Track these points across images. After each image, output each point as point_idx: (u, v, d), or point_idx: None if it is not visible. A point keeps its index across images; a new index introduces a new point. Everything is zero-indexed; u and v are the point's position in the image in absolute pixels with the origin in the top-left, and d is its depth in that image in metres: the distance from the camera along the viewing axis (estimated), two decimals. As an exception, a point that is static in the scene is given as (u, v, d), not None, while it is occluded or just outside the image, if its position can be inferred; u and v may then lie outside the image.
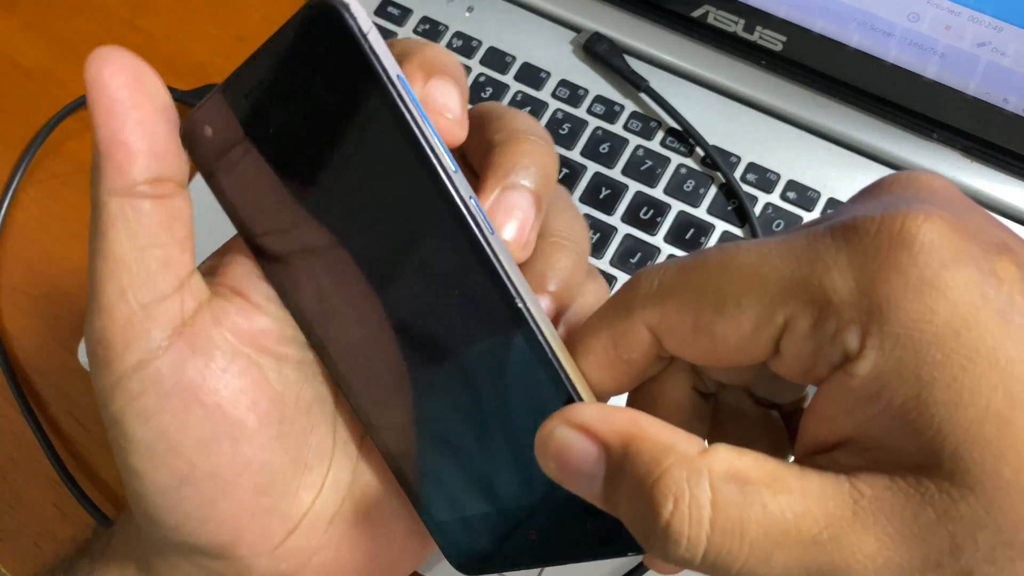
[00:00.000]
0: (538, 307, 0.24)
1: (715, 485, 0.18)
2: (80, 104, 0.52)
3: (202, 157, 0.24)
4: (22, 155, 0.51)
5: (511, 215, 0.24)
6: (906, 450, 0.18)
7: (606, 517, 0.22)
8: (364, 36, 0.21)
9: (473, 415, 0.25)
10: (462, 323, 0.24)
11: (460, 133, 0.24)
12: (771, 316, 0.19)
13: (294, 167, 0.23)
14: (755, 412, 0.25)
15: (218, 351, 0.24)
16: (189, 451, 0.24)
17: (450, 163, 0.22)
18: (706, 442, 0.20)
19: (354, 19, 0.21)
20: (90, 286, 0.23)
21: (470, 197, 0.23)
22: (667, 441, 0.19)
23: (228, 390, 0.24)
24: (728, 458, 0.19)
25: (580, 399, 0.23)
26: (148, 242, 0.23)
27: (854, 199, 0.21)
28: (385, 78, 0.22)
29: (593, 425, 0.20)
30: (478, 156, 0.26)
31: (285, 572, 0.26)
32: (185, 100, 0.51)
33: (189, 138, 0.24)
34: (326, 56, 0.22)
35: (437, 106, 0.23)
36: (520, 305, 0.23)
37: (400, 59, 0.24)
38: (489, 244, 0.23)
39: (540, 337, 0.23)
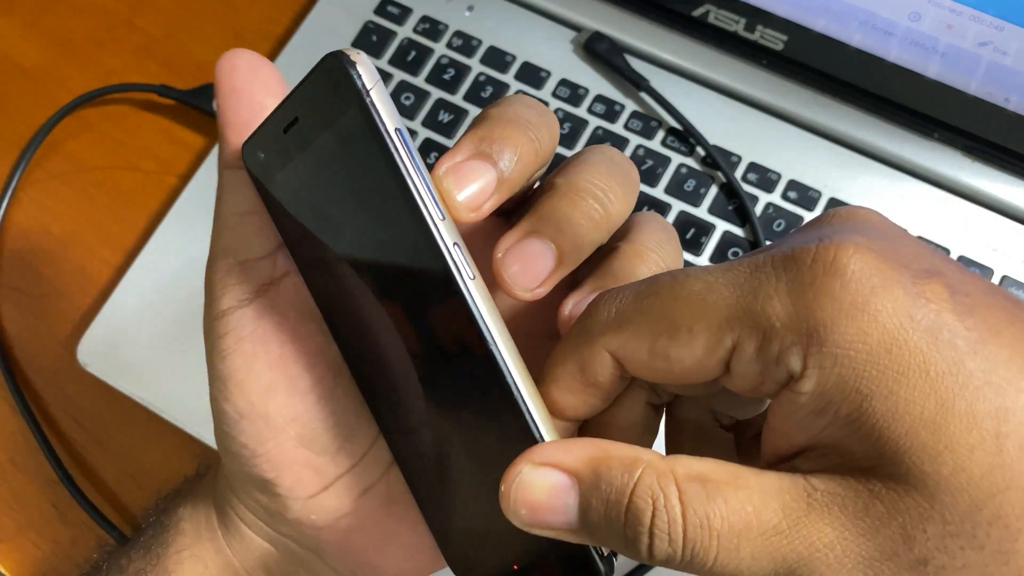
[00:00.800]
0: (511, 346, 0.25)
1: (680, 486, 0.20)
2: (79, 104, 0.52)
3: (257, 173, 0.27)
4: (21, 155, 0.51)
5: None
6: (856, 455, 0.20)
7: (565, 552, 0.24)
8: (367, 91, 0.24)
9: (454, 445, 0.27)
10: (440, 358, 0.26)
11: (466, 216, 0.25)
12: (720, 341, 0.21)
13: (312, 199, 0.26)
14: (709, 427, 0.27)
15: (293, 312, 0.28)
16: (250, 391, 0.27)
17: (438, 212, 0.24)
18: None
19: (359, 76, 0.24)
20: (211, 239, 0.28)
21: (454, 244, 0.24)
22: (632, 454, 0.21)
23: (293, 347, 0.28)
24: (689, 462, 0.21)
25: (542, 439, 0.24)
26: (248, 209, 0.27)
27: (797, 230, 0.23)
28: (383, 131, 0.24)
29: (557, 458, 0.22)
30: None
31: (315, 522, 0.29)
32: (185, 100, 0.51)
33: (247, 157, 0.27)
34: (334, 105, 0.24)
35: (452, 190, 0.24)
36: (492, 348, 0.25)
37: (472, 126, 0.26)
38: (466, 287, 0.24)
39: (508, 378, 0.25)
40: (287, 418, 0.28)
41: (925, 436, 0.19)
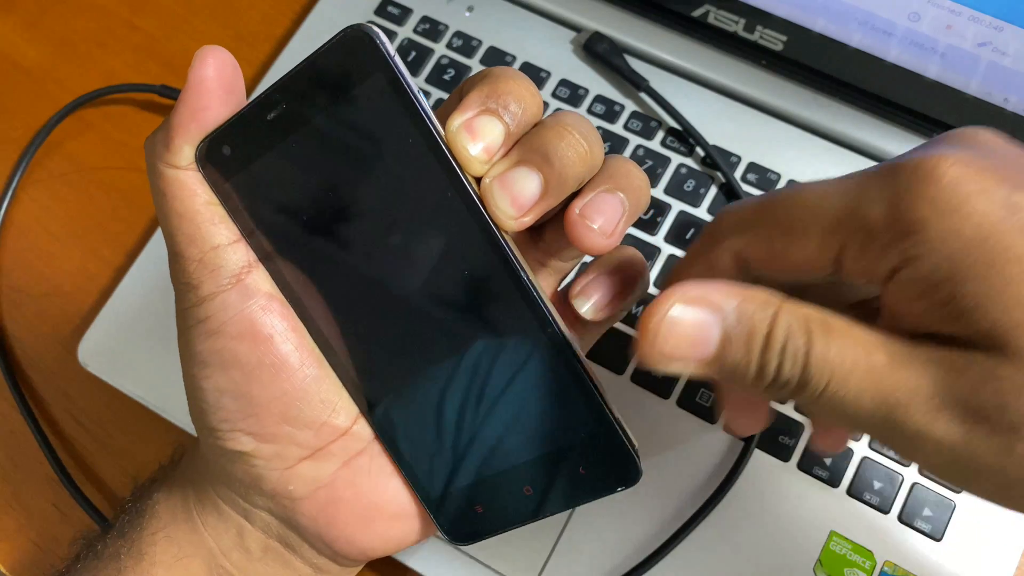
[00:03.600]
0: (530, 271, 0.27)
1: (810, 326, 0.23)
2: (80, 104, 0.52)
3: (217, 170, 0.27)
4: (22, 155, 0.51)
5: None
6: (956, 331, 0.22)
7: (596, 458, 0.27)
8: (391, 57, 0.25)
9: (465, 384, 0.28)
10: (458, 293, 0.27)
11: (477, 167, 0.26)
12: (831, 241, 0.24)
13: (324, 169, 0.27)
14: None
15: (279, 294, 0.28)
16: (234, 371, 0.28)
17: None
18: None
19: (383, 44, 0.25)
20: (163, 234, 0.28)
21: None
22: (768, 296, 0.24)
23: (279, 329, 0.28)
24: (816, 309, 0.24)
25: (575, 347, 0.27)
26: (206, 200, 0.27)
27: (912, 149, 0.25)
28: (411, 90, 0.25)
29: (706, 295, 0.24)
30: None
31: (292, 493, 0.29)
32: (185, 100, 0.51)
33: (206, 155, 0.27)
34: (359, 73, 0.25)
35: (466, 144, 0.26)
36: (526, 281, 0.26)
37: (469, 87, 0.27)
38: (498, 230, 0.26)
39: (537, 297, 0.26)
40: (272, 396, 0.28)
41: (1019, 314, 0.21)
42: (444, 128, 0.25)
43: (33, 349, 0.48)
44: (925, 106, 0.45)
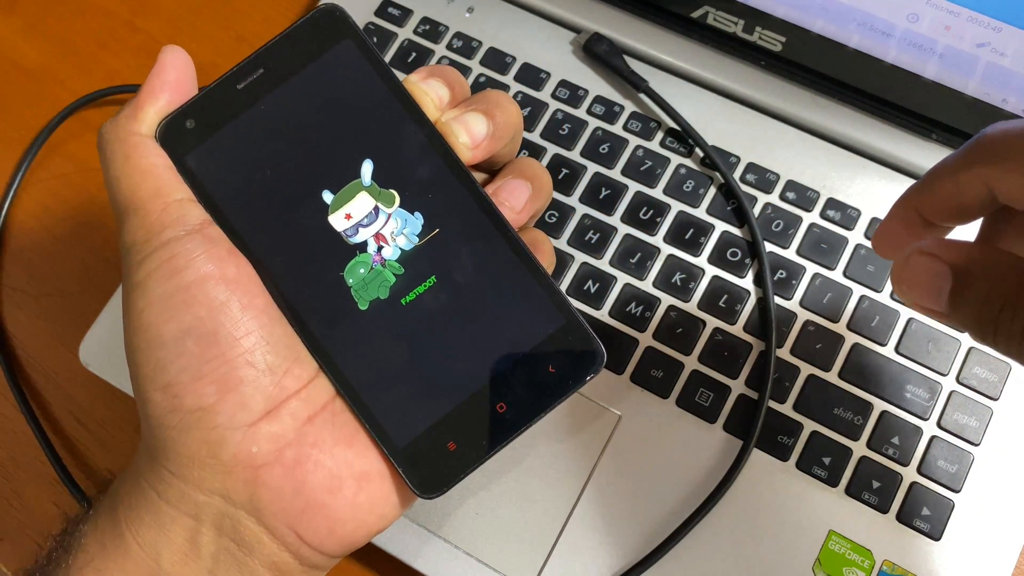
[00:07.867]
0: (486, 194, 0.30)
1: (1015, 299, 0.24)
2: (81, 104, 0.52)
3: (181, 147, 0.29)
4: (23, 155, 0.51)
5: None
6: None
7: (563, 350, 0.28)
8: (358, 27, 0.30)
9: (427, 311, 0.29)
10: (445, 242, 0.29)
11: (434, 110, 0.31)
12: None
13: (297, 135, 0.29)
14: None
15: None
16: (201, 306, 0.27)
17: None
18: None
19: (350, 17, 0.30)
20: (119, 201, 0.28)
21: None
22: (997, 258, 0.24)
23: (246, 271, 0.28)
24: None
25: (543, 270, 0.29)
26: (169, 165, 0.29)
27: None
28: (376, 54, 0.30)
29: (940, 251, 0.25)
30: None
31: (256, 456, 0.28)
32: (186, 101, 0.51)
33: (167, 131, 0.29)
34: (333, 45, 0.29)
35: (421, 87, 0.31)
36: (502, 218, 0.29)
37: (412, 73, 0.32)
38: (470, 173, 0.30)
39: (510, 230, 0.29)
40: (240, 332, 0.27)
41: None
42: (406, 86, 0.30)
43: (35, 349, 0.48)
44: (924, 106, 0.45)
